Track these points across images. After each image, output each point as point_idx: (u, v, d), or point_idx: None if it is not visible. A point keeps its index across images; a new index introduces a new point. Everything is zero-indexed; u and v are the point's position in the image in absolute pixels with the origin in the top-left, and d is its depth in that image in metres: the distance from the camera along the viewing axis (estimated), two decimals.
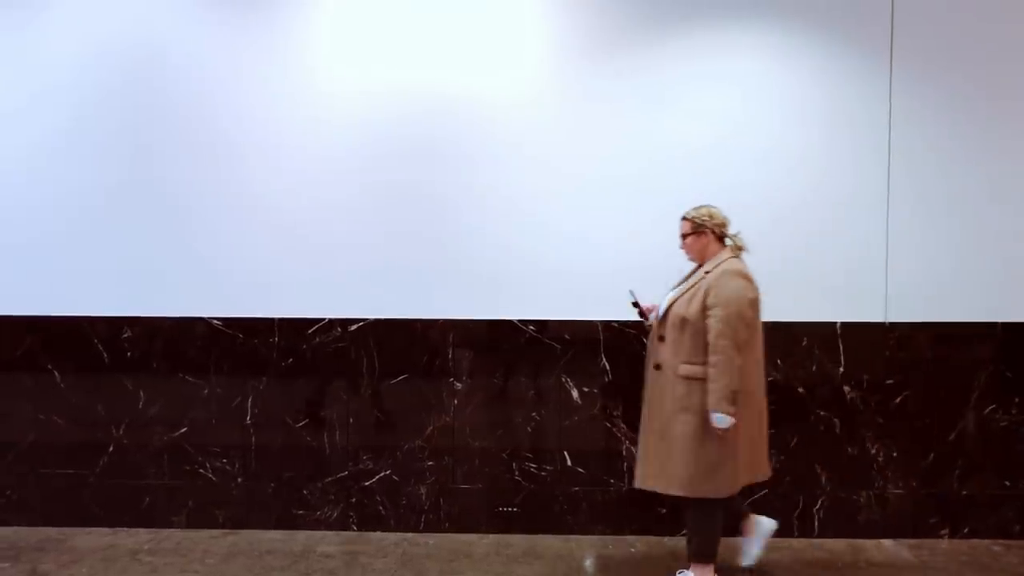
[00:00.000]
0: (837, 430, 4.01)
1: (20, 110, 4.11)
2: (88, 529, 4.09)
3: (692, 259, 3.49)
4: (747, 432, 3.30)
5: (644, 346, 4.01)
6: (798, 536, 4.02)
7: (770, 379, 4.00)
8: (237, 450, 4.11)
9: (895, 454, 4.01)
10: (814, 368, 4.01)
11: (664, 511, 4.04)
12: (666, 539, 4.01)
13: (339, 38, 4.07)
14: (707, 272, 3.35)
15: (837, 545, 3.94)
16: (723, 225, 3.45)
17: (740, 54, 4.02)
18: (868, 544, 3.96)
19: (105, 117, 4.10)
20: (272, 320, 4.08)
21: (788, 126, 4.02)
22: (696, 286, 3.33)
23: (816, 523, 4.03)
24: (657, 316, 3.44)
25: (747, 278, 3.32)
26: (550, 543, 3.96)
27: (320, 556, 3.80)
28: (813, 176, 4.01)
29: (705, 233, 3.43)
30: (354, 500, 4.10)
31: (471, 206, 4.06)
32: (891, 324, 4.00)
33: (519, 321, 4.04)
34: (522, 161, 4.05)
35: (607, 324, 4.03)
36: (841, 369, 4.00)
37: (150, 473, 4.12)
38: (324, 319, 4.08)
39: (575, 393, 4.06)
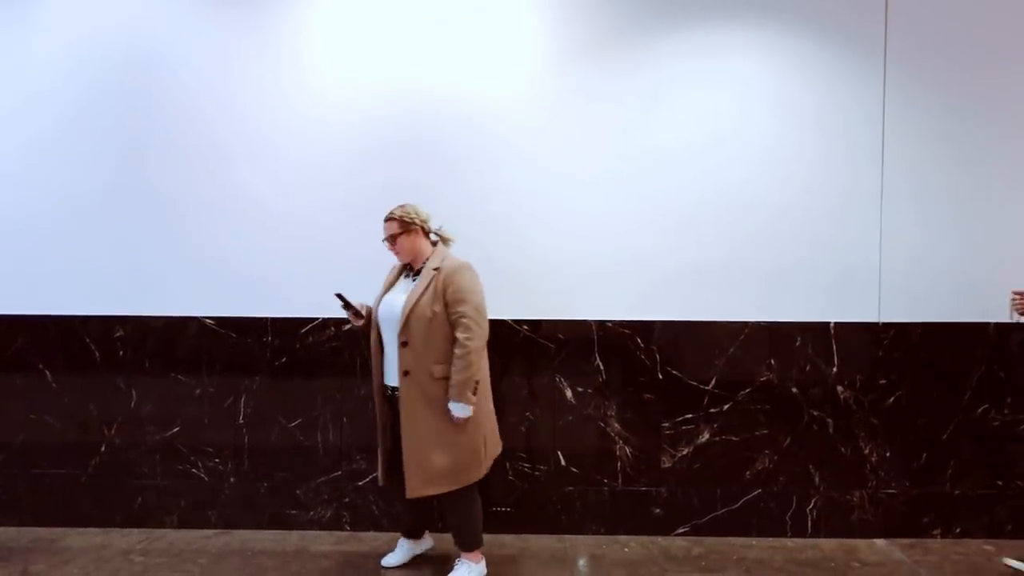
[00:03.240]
0: (830, 430, 4.02)
1: (12, 110, 4.09)
2: (80, 529, 4.07)
3: (403, 259, 3.53)
4: (488, 419, 3.48)
5: (638, 345, 4.02)
6: (791, 536, 4.02)
7: (763, 379, 4.01)
8: (230, 450, 4.09)
9: (888, 454, 4.02)
10: (807, 368, 4.01)
11: (658, 511, 4.05)
12: (660, 539, 4.01)
13: (332, 38, 4.06)
14: (435, 269, 3.40)
15: (830, 544, 3.95)
16: (427, 221, 3.53)
17: (734, 54, 4.02)
18: (861, 544, 3.97)
19: (97, 117, 4.08)
20: (265, 319, 4.06)
21: (782, 125, 4.02)
22: (430, 285, 3.37)
23: (809, 523, 4.03)
24: (376, 320, 3.48)
25: (473, 270, 3.42)
26: (544, 543, 3.96)
27: (313, 556, 3.80)
28: (806, 175, 4.02)
29: (415, 230, 3.49)
30: (347, 500, 4.09)
31: (465, 205, 4.05)
32: (884, 324, 4.01)
33: (513, 321, 4.04)
34: (516, 161, 4.04)
35: (601, 324, 4.02)
36: (834, 369, 4.01)
37: (142, 473, 4.11)
38: (317, 319, 4.07)
39: (569, 393, 4.06)
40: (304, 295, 4.07)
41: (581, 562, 3.77)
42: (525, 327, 4.04)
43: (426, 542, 3.82)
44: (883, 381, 4.01)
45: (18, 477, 4.14)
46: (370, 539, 4.00)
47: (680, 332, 4.03)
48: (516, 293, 4.04)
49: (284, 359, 4.08)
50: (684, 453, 4.04)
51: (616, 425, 4.05)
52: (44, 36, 4.08)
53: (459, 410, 3.29)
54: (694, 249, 4.04)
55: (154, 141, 4.08)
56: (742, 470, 4.03)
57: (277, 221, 4.07)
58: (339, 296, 3.51)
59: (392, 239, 3.48)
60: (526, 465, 4.08)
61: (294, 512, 4.10)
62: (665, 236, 4.04)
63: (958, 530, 4.02)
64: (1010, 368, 4.00)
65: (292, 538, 4.00)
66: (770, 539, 4.01)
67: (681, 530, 4.05)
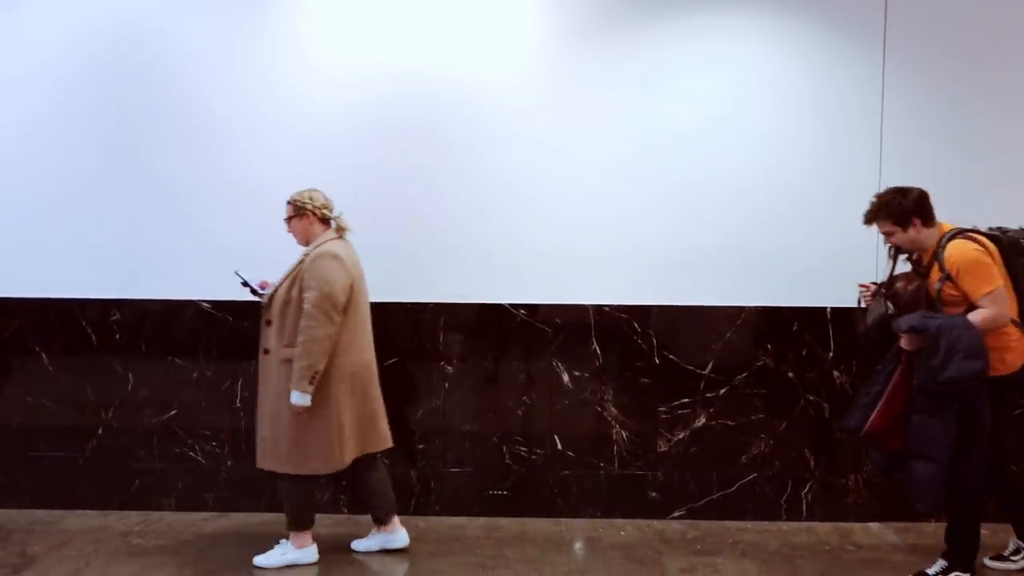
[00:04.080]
0: (826, 414, 4.03)
1: (6, 89, 4.06)
2: (78, 511, 4.08)
3: (299, 242, 3.55)
4: (354, 410, 3.43)
5: (635, 330, 4.03)
6: (786, 519, 4.04)
7: (760, 364, 4.02)
8: (227, 433, 4.10)
9: None
10: (804, 353, 4.02)
11: (654, 495, 4.06)
12: (656, 522, 4.03)
13: (330, 17, 4.03)
14: (306, 255, 3.43)
15: (825, 528, 3.97)
16: (325, 207, 3.53)
17: (732, 38, 4.00)
18: (856, 527, 3.99)
19: (93, 98, 4.06)
20: (262, 303, 4.05)
21: (780, 110, 4.02)
22: (296, 270, 3.42)
23: (804, 507, 4.05)
24: (264, 301, 3.51)
25: (340, 260, 3.40)
26: (540, 526, 3.97)
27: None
28: (804, 160, 4.01)
29: (307, 215, 3.50)
30: (344, 483, 4.09)
31: (463, 189, 4.05)
32: None
33: (510, 305, 4.04)
34: (514, 144, 4.03)
35: (598, 308, 4.03)
36: (831, 354, 4.02)
37: (140, 456, 4.11)
38: None
39: (566, 377, 4.06)
40: None
41: (577, 545, 3.79)
42: (522, 311, 4.05)
43: (397, 536, 3.69)
44: (879, 366, 4.00)
45: (16, 460, 4.14)
46: (367, 522, 3.99)
47: (677, 317, 4.03)
48: (513, 277, 4.04)
49: None
50: (680, 437, 4.05)
51: (613, 409, 4.06)
52: (39, 13, 4.04)
53: (295, 398, 3.30)
54: (692, 234, 4.04)
55: (151, 122, 4.06)
56: (738, 454, 4.04)
57: (275, 203, 4.04)
58: (237, 274, 3.57)
59: (287, 221, 3.54)
60: (523, 449, 4.09)
61: None
62: (663, 221, 4.03)
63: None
64: None
65: None
66: (765, 523, 4.03)
67: (677, 514, 4.06)
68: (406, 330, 4.07)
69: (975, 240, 3.16)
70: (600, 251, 4.02)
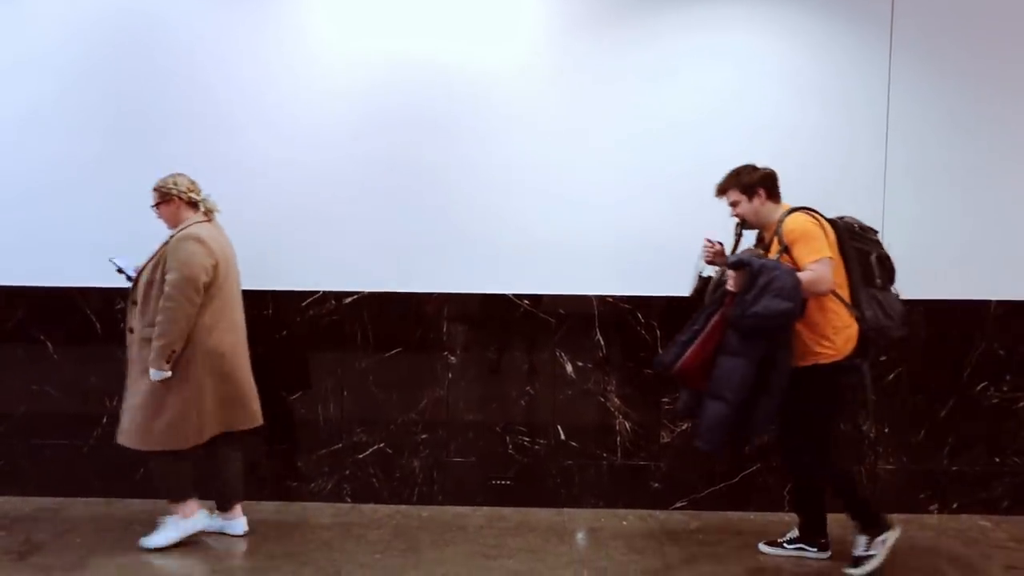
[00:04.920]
0: None
1: (9, 76, 4.06)
2: (82, 499, 4.10)
3: (169, 227, 3.59)
4: (216, 390, 3.49)
5: (638, 320, 4.02)
6: (789, 511, 4.04)
7: None
8: None
9: (887, 430, 4.03)
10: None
11: (657, 485, 4.07)
12: (658, 513, 4.04)
13: (334, 6, 4.01)
14: (171, 237, 3.48)
15: (828, 519, 3.97)
16: (191, 190, 3.58)
17: (737, 27, 3.98)
18: None
19: (96, 85, 4.05)
20: (266, 292, 4.06)
21: (785, 100, 4.00)
22: (160, 252, 3.47)
23: None
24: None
25: (203, 242, 3.44)
26: (543, 516, 3.98)
27: (314, 527, 3.83)
28: (809, 151, 3.99)
29: (173, 200, 3.55)
30: (348, 472, 4.11)
31: (466, 178, 4.04)
32: None
33: (514, 295, 4.04)
34: (518, 133, 4.02)
35: (602, 299, 4.02)
36: None
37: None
38: (318, 291, 4.06)
39: (569, 367, 4.07)
40: (304, 268, 4.06)
41: (580, 535, 3.80)
42: (526, 302, 4.04)
43: (236, 523, 3.71)
44: (883, 357, 4.00)
45: (20, 448, 4.16)
46: (370, 511, 4.02)
47: (681, 307, 4.01)
48: (517, 267, 4.04)
49: (284, 332, 4.08)
50: (683, 428, 4.05)
51: (616, 400, 4.06)
52: (40, 4, 4.03)
53: (154, 375, 3.40)
54: (695, 224, 3.99)
55: (156, 110, 4.05)
56: (741, 445, 4.04)
57: (278, 193, 4.05)
58: (112, 261, 3.64)
59: (155, 208, 3.59)
60: (526, 439, 4.10)
61: (295, 484, 4.12)
62: (666, 211, 4.02)
63: (955, 506, 4.05)
64: (1010, 346, 4.00)
65: (293, 509, 4.02)
66: (768, 514, 4.03)
67: (679, 504, 4.07)
68: (409, 320, 4.07)
69: (812, 215, 3.27)
70: (604, 241, 4.02)
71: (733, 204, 3.38)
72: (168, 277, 3.40)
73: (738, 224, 3.43)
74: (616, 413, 4.06)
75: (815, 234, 3.19)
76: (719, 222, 3.99)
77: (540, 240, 4.02)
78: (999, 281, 3.99)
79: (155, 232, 4.05)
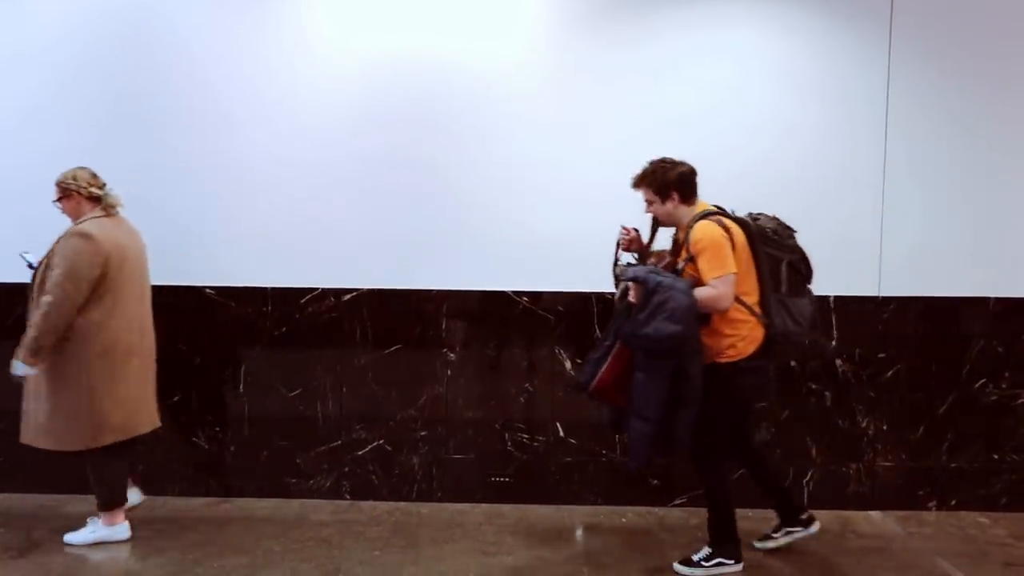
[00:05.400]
0: (828, 403, 4.03)
1: (5, 72, 4.05)
2: (82, 496, 4.08)
3: (72, 222, 3.56)
4: (109, 390, 3.45)
5: None
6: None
7: None
8: (230, 418, 4.11)
9: (885, 427, 4.04)
10: (807, 341, 4.01)
11: (656, 482, 4.07)
12: (657, 510, 4.04)
13: (335, 2, 4.01)
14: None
15: (826, 516, 3.96)
16: (92, 185, 3.55)
17: (737, 24, 3.98)
18: (857, 516, 4.00)
19: (97, 83, 4.04)
20: (265, 289, 4.06)
21: (784, 97, 4.00)
22: (53, 247, 3.45)
23: (806, 494, 4.06)
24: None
25: (90, 239, 3.41)
26: (542, 513, 3.99)
27: (313, 524, 3.83)
28: (809, 148, 4.00)
29: (73, 195, 3.53)
30: (347, 469, 4.11)
31: (466, 176, 4.04)
32: (884, 298, 4.01)
33: (513, 292, 4.04)
34: (517, 130, 4.02)
35: (601, 296, 4.02)
36: (834, 342, 4.01)
37: (143, 441, 4.11)
38: (317, 288, 4.06)
39: (568, 364, 4.07)
40: (304, 265, 4.06)
41: (579, 532, 3.81)
42: (525, 299, 4.04)
43: (118, 529, 3.65)
44: (882, 355, 4.01)
45: (20, 444, 4.13)
46: (369, 508, 4.03)
47: None
48: (516, 264, 4.04)
49: (284, 329, 4.08)
50: None
51: None
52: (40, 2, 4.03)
53: (16, 367, 3.38)
54: None
55: (154, 105, 4.05)
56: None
57: (278, 190, 4.05)
58: (22, 256, 3.65)
59: (58, 202, 3.57)
60: (525, 436, 4.10)
61: (294, 481, 4.12)
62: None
63: (953, 503, 4.05)
64: (1009, 343, 4.00)
65: (292, 506, 4.03)
66: (766, 510, 4.02)
67: (678, 501, 4.08)
68: (409, 317, 4.07)
69: (721, 223, 3.21)
70: (603, 238, 3.99)
71: (647, 202, 3.34)
72: (50, 273, 3.38)
73: (653, 219, 3.40)
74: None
75: (722, 248, 3.14)
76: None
77: (539, 237, 4.02)
78: (998, 278, 3.99)
79: (153, 230, 4.07)
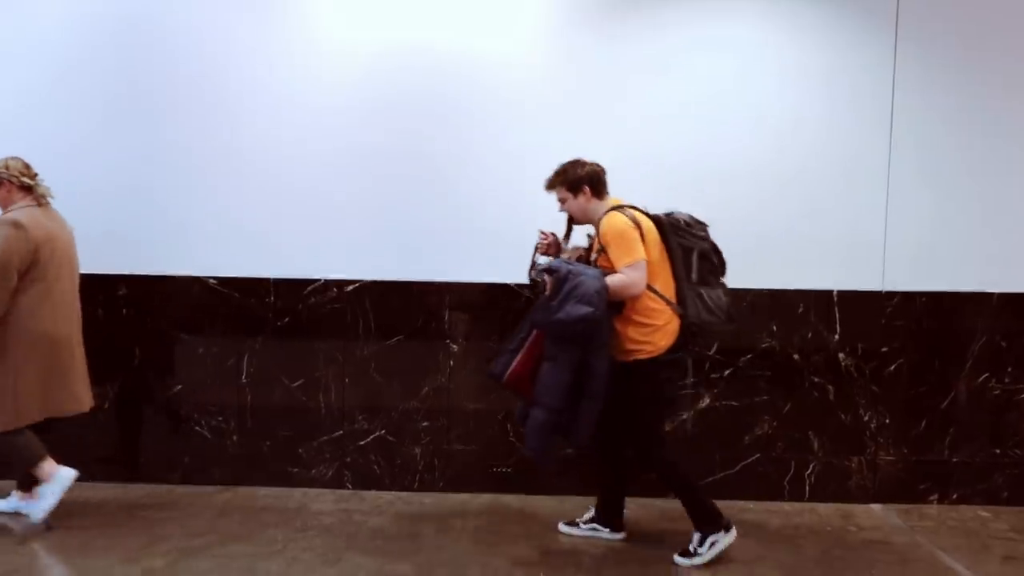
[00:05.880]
0: (831, 397, 4.03)
1: (8, 64, 4.05)
2: (85, 484, 4.08)
3: (2, 211, 3.58)
4: (36, 375, 3.49)
5: None
6: (789, 500, 4.06)
7: (765, 346, 4.01)
8: (232, 408, 4.12)
9: (888, 421, 4.04)
10: (809, 335, 4.02)
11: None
12: (658, 501, 4.04)
13: None
14: None
15: (827, 509, 3.99)
16: (23, 174, 3.57)
17: (742, 19, 3.97)
18: (858, 509, 4.00)
19: (99, 75, 4.05)
20: (268, 280, 4.07)
21: (789, 93, 3.99)
22: None
23: (807, 487, 4.06)
24: None
25: (20, 227, 3.44)
26: (544, 504, 3.99)
27: (315, 513, 3.84)
28: (813, 143, 3.99)
29: (4, 184, 3.55)
30: (349, 459, 4.12)
31: (469, 169, 4.04)
32: (888, 292, 4.00)
33: (515, 284, 4.04)
34: (521, 123, 4.02)
35: None
36: (836, 336, 4.01)
37: (146, 430, 4.14)
38: (320, 280, 4.07)
39: None
40: (307, 256, 4.07)
41: (581, 523, 3.80)
42: (527, 292, 4.04)
43: (61, 476, 3.66)
44: (885, 349, 4.01)
45: None
46: (372, 498, 4.04)
47: None
48: (518, 257, 4.01)
49: (287, 319, 4.08)
50: (684, 417, 4.06)
51: None
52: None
53: None
54: (698, 216, 4.00)
55: (159, 101, 4.05)
56: (741, 435, 4.05)
57: (281, 181, 4.06)
58: None
59: None
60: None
61: (296, 470, 4.13)
62: (668, 202, 3.99)
63: (955, 496, 4.05)
64: (1012, 338, 4.00)
65: (294, 496, 4.04)
66: (768, 503, 4.04)
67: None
68: (412, 309, 4.07)
69: (630, 215, 3.27)
70: None
71: (561, 200, 3.40)
72: None
73: (569, 218, 3.45)
74: None
75: (629, 236, 3.20)
76: (720, 211, 3.99)
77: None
78: (1001, 273, 3.99)
79: (158, 220, 4.08)
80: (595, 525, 3.62)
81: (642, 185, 3.96)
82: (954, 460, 4.04)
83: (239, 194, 4.06)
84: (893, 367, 4.01)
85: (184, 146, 4.06)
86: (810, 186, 4.01)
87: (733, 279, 3.97)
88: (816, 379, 4.03)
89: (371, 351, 4.08)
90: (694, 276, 3.32)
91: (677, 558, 3.37)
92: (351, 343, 4.08)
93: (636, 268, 3.18)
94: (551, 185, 3.41)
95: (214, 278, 4.08)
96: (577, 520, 3.66)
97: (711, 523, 3.36)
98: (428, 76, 4.01)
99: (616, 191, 3.99)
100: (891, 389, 4.02)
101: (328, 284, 4.07)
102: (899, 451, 4.05)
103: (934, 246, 3.99)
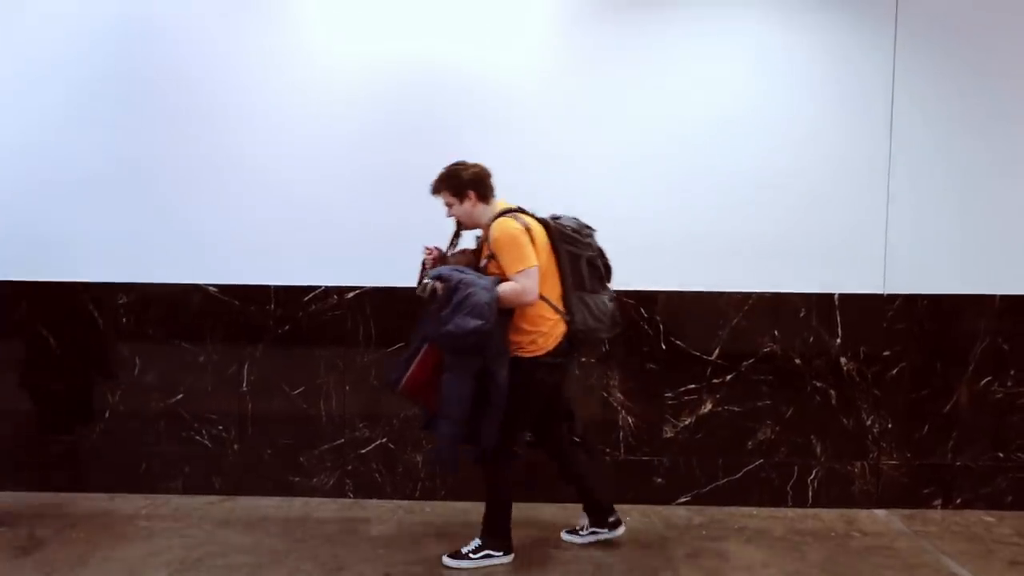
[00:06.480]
0: (833, 401, 4.02)
1: (11, 78, 4.05)
2: (85, 495, 4.09)
3: None
4: None
5: (641, 315, 4.01)
6: (792, 505, 4.04)
7: (767, 350, 4.01)
8: (233, 417, 4.11)
9: (890, 425, 4.02)
10: (811, 339, 4.01)
11: (660, 480, 4.06)
12: (661, 508, 4.03)
13: (339, 5, 4.00)
14: None
15: (830, 515, 3.97)
16: None
17: (741, 22, 3.96)
18: (861, 514, 3.99)
19: (100, 84, 4.04)
20: (268, 287, 4.06)
21: (790, 93, 3.99)
22: None
23: (810, 493, 4.05)
24: None
25: None
26: (546, 511, 3.98)
27: (316, 522, 3.82)
28: (813, 145, 3.99)
29: None
30: (350, 468, 4.11)
31: None
32: (889, 295, 4.00)
33: None
34: (521, 130, 4.01)
35: None
36: (838, 340, 4.00)
37: (147, 439, 4.12)
38: (320, 287, 4.06)
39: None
40: (308, 263, 4.06)
41: (581, 529, 3.78)
42: None
43: None
44: (887, 352, 4.00)
45: (23, 443, 4.15)
46: (373, 506, 4.02)
47: (684, 303, 4.02)
48: None
49: (287, 327, 4.07)
50: (686, 423, 4.05)
51: (619, 395, 4.05)
52: (42, 4, 4.02)
53: None
54: (700, 220, 4.01)
55: (161, 109, 4.05)
56: (744, 440, 4.04)
57: (281, 189, 4.05)
58: None
59: None
60: (529, 435, 4.07)
61: (297, 479, 4.12)
62: (669, 205, 4.01)
63: (958, 501, 4.04)
64: (1014, 340, 3.99)
65: (295, 504, 4.02)
66: (771, 509, 4.03)
67: (682, 499, 4.07)
68: (412, 315, 4.04)
69: (520, 220, 3.23)
70: (607, 236, 3.98)
71: (447, 205, 3.36)
72: None
73: (457, 223, 3.42)
74: (619, 408, 4.06)
75: (521, 242, 3.17)
76: (721, 214, 4.00)
77: None
78: (1003, 275, 3.98)
79: (158, 227, 4.08)
80: (593, 530, 3.60)
81: (642, 189, 4.00)
82: (957, 464, 4.02)
83: (239, 202, 4.05)
84: (895, 371, 4.00)
85: (185, 154, 4.05)
86: (810, 189, 4.00)
87: (734, 283, 3.99)
88: (818, 383, 4.02)
89: (372, 358, 4.07)
90: (586, 284, 3.31)
91: (446, 559, 3.38)
92: (352, 350, 4.07)
93: (528, 276, 3.14)
94: (435, 190, 3.35)
95: (214, 286, 4.07)
96: (576, 529, 3.65)
97: (498, 540, 3.38)
98: (428, 84, 4.00)
99: (619, 195, 4.01)
100: (893, 393, 4.01)
101: (329, 291, 4.06)
102: (902, 455, 4.03)
103: (935, 248, 3.99)
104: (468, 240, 3.50)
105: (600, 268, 3.39)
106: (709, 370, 4.03)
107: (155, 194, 4.06)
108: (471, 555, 3.36)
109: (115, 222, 4.06)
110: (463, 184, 3.29)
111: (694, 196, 4.00)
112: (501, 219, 3.24)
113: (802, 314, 4.00)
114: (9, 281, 4.10)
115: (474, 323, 3.04)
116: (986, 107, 3.95)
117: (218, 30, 4.02)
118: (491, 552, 3.37)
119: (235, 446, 4.12)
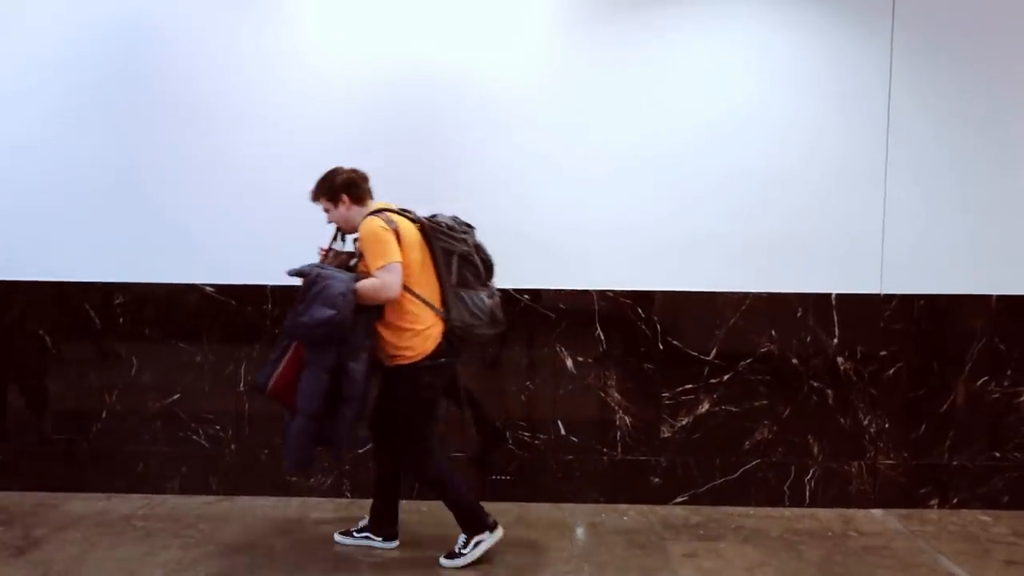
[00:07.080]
0: (830, 401, 4.02)
1: (9, 78, 4.04)
2: (82, 495, 4.09)
3: None
4: None
5: (639, 315, 4.02)
6: (789, 505, 4.05)
7: (764, 350, 4.01)
8: (230, 417, 4.10)
9: (887, 425, 4.03)
10: (808, 339, 4.01)
11: (657, 480, 4.07)
12: (658, 508, 4.03)
13: (338, 5, 4.00)
14: None
15: (828, 514, 3.98)
16: None
17: (737, 22, 3.97)
18: (858, 514, 3.99)
19: (96, 85, 4.03)
20: (265, 287, 4.05)
21: (786, 94, 3.99)
22: None
23: (807, 493, 4.05)
24: None
25: None
26: (543, 511, 3.98)
27: (314, 522, 3.82)
28: (810, 145, 3.99)
29: None
30: (348, 467, 4.10)
31: (467, 174, 4.03)
32: (886, 295, 4.00)
33: (514, 290, 4.03)
34: (519, 128, 4.01)
35: (602, 294, 4.02)
36: (835, 340, 4.01)
37: (143, 439, 4.12)
38: None
39: (569, 362, 4.06)
40: (305, 263, 4.03)
41: (579, 530, 3.80)
42: (526, 296, 4.04)
43: None
44: (884, 352, 4.01)
45: (19, 443, 4.15)
46: (370, 506, 4.01)
47: (681, 303, 4.02)
48: (517, 262, 4.01)
49: None
50: (684, 423, 4.05)
51: (616, 395, 4.05)
52: (38, 5, 4.01)
53: None
54: (696, 220, 4.02)
55: (157, 110, 4.04)
56: (741, 440, 4.04)
57: (278, 189, 4.04)
58: None
59: None
60: (526, 434, 4.09)
61: (294, 479, 4.11)
62: (667, 206, 4.02)
63: (955, 501, 4.04)
64: (1011, 340, 4.00)
65: (293, 504, 4.02)
66: (768, 508, 4.03)
67: (680, 499, 4.07)
68: None
69: (386, 219, 3.25)
70: (604, 237, 4.01)
71: (325, 211, 3.39)
72: None
73: (337, 227, 3.44)
74: (616, 408, 4.06)
75: (382, 239, 3.18)
76: (719, 214, 4.01)
77: (540, 235, 4.01)
78: (1000, 275, 3.99)
79: (154, 227, 4.07)
80: (367, 534, 3.59)
81: (640, 190, 4.00)
82: (954, 464, 4.03)
83: (236, 201, 4.05)
84: (892, 370, 4.01)
85: (182, 154, 4.05)
86: (807, 189, 4.00)
87: (731, 283, 3.99)
88: (815, 383, 4.02)
89: None
90: (454, 279, 3.31)
91: (443, 560, 3.38)
92: None
93: (389, 271, 3.14)
94: (314, 197, 3.38)
95: (211, 286, 4.07)
96: (351, 529, 3.62)
97: (478, 525, 3.38)
98: (426, 85, 4.00)
99: (617, 195, 4.01)
100: (890, 393, 4.02)
101: None
102: (899, 455, 4.04)
103: (932, 248, 3.99)
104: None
105: (477, 265, 3.38)
106: (706, 370, 4.03)
107: (152, 194, 4.06)
108: (462, 551, 3.37)
109: (111, 222, 4.06)
110: (336, 189, 3.33)
111: (692, 197, 4.00)
112: (367, 219, 3.27)
113: (799, 314, 4.01)
114: (5, 281, 4.09)
115: (326, 313, 3.05)
116: (982, 107, 3.95)
117: (216, 31, 4.02)
118: (480, 538, 3.37)
119: (232, 446, 4.11)
